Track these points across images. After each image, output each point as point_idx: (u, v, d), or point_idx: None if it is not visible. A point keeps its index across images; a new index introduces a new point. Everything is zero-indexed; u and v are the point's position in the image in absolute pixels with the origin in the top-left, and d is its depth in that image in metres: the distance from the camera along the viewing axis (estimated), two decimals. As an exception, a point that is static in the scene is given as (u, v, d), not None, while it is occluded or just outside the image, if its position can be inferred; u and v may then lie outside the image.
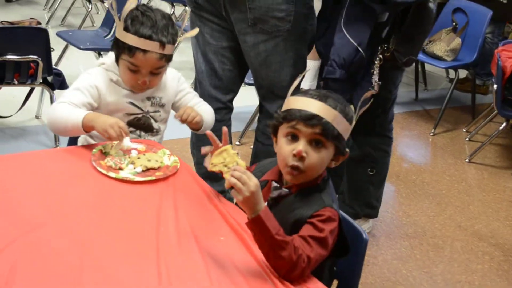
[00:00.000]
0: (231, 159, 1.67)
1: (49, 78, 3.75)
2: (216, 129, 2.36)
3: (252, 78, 2.99)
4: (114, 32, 4.60)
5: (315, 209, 1.68)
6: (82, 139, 2.27)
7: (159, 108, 2.28)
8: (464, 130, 4.97)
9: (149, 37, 2.09)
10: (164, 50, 2.11)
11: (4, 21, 4.74)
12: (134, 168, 1.97)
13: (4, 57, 3.53)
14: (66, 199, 1.78)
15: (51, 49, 3.75)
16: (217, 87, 2.93)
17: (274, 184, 1.79)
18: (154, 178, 1.94)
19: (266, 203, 1.59)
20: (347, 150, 1.77)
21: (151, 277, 1.50)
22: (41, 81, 3.71)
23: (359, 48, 2.67)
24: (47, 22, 6.17)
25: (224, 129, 1.79)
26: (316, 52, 2.90)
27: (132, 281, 1.48)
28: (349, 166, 3.07)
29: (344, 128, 1.72)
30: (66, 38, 4.65)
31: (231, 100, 3.00)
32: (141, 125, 2.24)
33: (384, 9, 2.66)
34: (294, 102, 1.74)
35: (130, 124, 2.20)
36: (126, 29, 2.11)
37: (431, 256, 3.24)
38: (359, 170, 3.13)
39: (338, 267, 1.85)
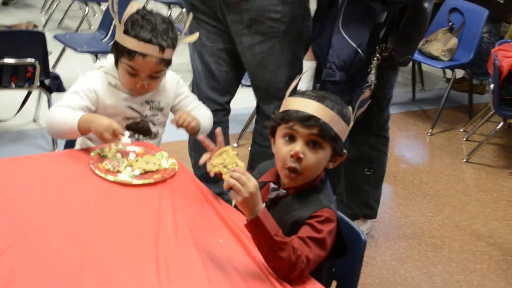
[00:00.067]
0: (231, 160, 1.68)
1: (47, 81, 3.75)
2: (214, 132, 2.37)
3: (249, 80, 3.00)
4: (111, 35, 4.61)
5: (313, 210, 1.68)
6: (80, 141, 2.27)
7: (157, 111, 2.28)
8: (462, 130, 4.98)
9: (148, 41, 2.09)
10: (164, 54, 2.11)
11: (1, 25, 4.73)
12: (132, 171, 1.97)
13: (2, 60, 3.53)
14: (64, 202, 1.78)
15: (49, 52, 3.75)
16: (214, 88, 2.93)
17: (272, 185, 1.80)
18: (152, 180, 1.94)
19: (264, 205, 1.59)
20: (345, 151, 1.78)
21: (151, 279, 1.50)
22: (38, 84, 3.70)
23: (359, 50, 2.68)
24: (44, 25, 6.17)
25: (217, 130, 1.80)
26: (312, 53, 2.90)
27: (132, 282, 1.48)
28: (346, 167, 3.08)
29: (342, 129, 1.73)
30: (63, 41, 4.66)
31: (228, 102, 3.01)
32: (139, 128, 2.24)
33: (384, 8, 2.67)
34: (291, 103, 1.74)
35: (128, 127, 2.20)
36: (126, 32, 2.11)
37: (430, 256, 3.25)
38: (356, 171, 3.13)
39: (337, 268, 1.85)
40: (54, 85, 3.78)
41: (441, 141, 4.76)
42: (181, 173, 2.02)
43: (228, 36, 2.82)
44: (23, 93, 4.08)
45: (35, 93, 4.06)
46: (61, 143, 3.43)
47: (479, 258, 3.28)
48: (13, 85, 3.66)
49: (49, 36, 4.07)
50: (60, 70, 4.31)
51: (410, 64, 5.51)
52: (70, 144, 2.37)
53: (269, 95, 2.87)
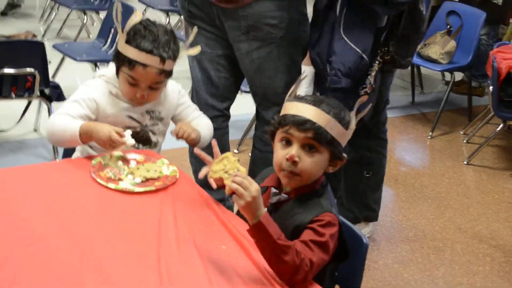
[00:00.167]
0: (232, 166, 1.69)
1: (47, 91, 3.75)
2: (214, 138, 2.37)
3: (248, 86, 3.01)
4: (110, 43, 4.62)
5: (314, 214, 1.69)
6: (81, 148, 2.27)
7: (158, 121, 2.29)
8: (462, 133, 4.98)
9: (149, 52, 2.09)
10: (164, 65, 2.11)
11: (0, 35, 4.74)
12: (134, 179, 1.97)
13: (1, 70, 3.54)
14: (66, 210, 1.78)
15: (48, 62, 3.76)
16: (213, 95, 2.94)
17: (273, 190, 1.80)
18: (153, 188, 1.94)
19: (266, 209, 1.60)
20: (345, 155, 1.78)
21: (153, 284, 1.50)
22: (38, 94, 3.70)
23: (364, 55, 2.69)
24: (43, 35, 6.18)
25: (213, 142, 1.83)
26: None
27: (134, 287, 1.49)
28: (345, 170, 3.08)
29: (339, 132, 1.73)
30: (63, 50, 4.66)
31: (227, 108, 3.01)
32: (139, 138, 2.24)
33: (387, 11, 2.68)
34: (289, 108, 1.76)
35: None
36: (128, 42, 2.11)
37: (432, 259, 3.25)
38: (356, 173, 3.13)
39: (339, 272, 1.85)
40: (54, 94, 3.79)
41: (442, 144, 4.77)
42: (182, 180, 2.03)
43: (226, 42, 2.83)
44: (23, 103, 4.09)
45: (35, 102, 4.07)
46: (61, 151, 3.43)
47: (481, 260, 3.28)
48: (13, 95, 3.66)
49: (48, 46, 4.07)
50: (60, 79, 4.32)
51: (409, 67, 5.54)
52: (69, 152, 2.37)
53: (267, 101, 2.88)
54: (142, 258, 1.60)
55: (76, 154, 2.29)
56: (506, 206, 3.89)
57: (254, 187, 1.55)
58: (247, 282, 1.57)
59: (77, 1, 6.08)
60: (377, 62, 2.77)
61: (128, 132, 2.06)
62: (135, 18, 2.13)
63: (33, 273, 1.49)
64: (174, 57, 2.15)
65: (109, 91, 2.20)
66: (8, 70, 3.56)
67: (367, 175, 3.15)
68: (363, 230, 3.24)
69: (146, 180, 1.98)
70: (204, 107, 2.85)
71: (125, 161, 2.07)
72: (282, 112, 1.78)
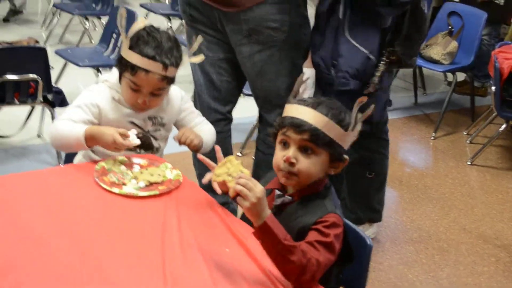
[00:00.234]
0: (235, 169, 1.70)
1: (49, 97, 3.76)
2: (216, 141, 2.38)
3: (250, 89, 3.01)
4: (112, 48, 4.63)
5: (318, 215, 1.69)
6: (83, 153, 2.27)
7: (160, 127, 2.29)
8: (465, 133, 4.97)
9: (152, 58, 2.09)
10: (167, 72, 2.12)
11: (3, 41, 4.76)
12: (137, 183, 1.98)
13: (4, 77, 3.55)
14: (70, 215, 1.79)
15: (50, 68, 3.77)
16: (215, 98, 2.94)
17: (277, 192, 1.81)
18: (157, 192, 1.95)
19: (270, 211, 1.60)
20: (346, 156, 1.78)
21: (158, 291, 1.51)
22: (41, 99, 3.72)
23: (370, 56, 2.69)
24: (46, 41, 6.19)
25: (216, 147, 1.84)
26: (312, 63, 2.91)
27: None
28: (347, 171, 3.06)
29: (338, 134, 1.73)
30: (65, 56, 4.67)
31: (230, 111, 3.02)
32: (141, 143, 2.24)
33: (391, 11, 2.68)
34: (289, 110, 1.78)
35: None
36: (131, 47, 2.12)
37: (437, 260, 3.24)
38: (358, 174, 3.13)
39: (344, 274, 1.85)
40: (57, 100, 3.80)
41: (445, 145, 4.76)
42: (185, 183, 2.03)
43: (228, 46, 2.83)
44: (26, 109, 4.10)
45: (38, 108, 4.08)
46: (64, 156, 3.44)
47: (486, 260, 3.28)
48: (16, 101, 3.68)
49: (50, 52, 4.08)
50: (63, 85, 4.33)
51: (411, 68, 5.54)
52: (71, 156, 2.37)
53: (269, 103, 2.88)
54: (147, 262, 1.61)
55: (78, 157, 2.29)
56: (510, 206, 3.89)
57: (258, 188, 1.55)
58: (252, 285, 1.57)
59: (79, 7, 6.11)
60: (383, 62, 2.78)
61: (133, 132, 2.07)
62: (139, 24, 2.14)
63: (39, 277, 1.49)
64: (177, 64, 2.15)
65: (112, 96, 2.20)
66: (11, 77, 3.57)
67: (370, 176, 3.14)
68: (368, 231, 3.24)
69: (150, 184, 1.99)
70: (206, 111, 2.85)
71: (129, 165, 2.07)
72: (283, 114, 1.79)
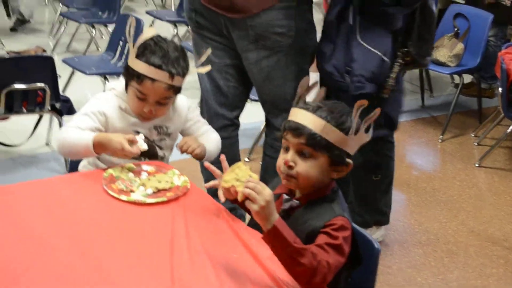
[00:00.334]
0: (244, 174, 1.71)
1: (57, 105, 3.78)
2: (224, 147, 2.38)
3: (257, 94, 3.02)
4: (119, 56, 4.65)
5: (326, 219, 1.69)
6: (90, 160, 2.28)
7: (165, 136, 2.30)
8: (472, 135, 4.96)
9: (158, 67, 2.11)
10: (173, 81, 2.13)
11: (11, 51, 4.79)
12: (145, 190, 1.99)
13: (12, 86, 3.57)
14: (79, 223, 1.80)
15: (58, 76, 3.79)
16: (223, 104, 2.95)
17: (285, 196, 1.82)
18: (165, 199, 1.96)
19: (278, 215, 1.60)
20: (349, 160, 1.78)
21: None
22: (49, 108, 3.74)
23: (385, 58, 2.70)
24: (53, 50, 6.22)
25: (222, 157, 1.86)
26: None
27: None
28: (353, 175, 3.06)
29: (337, 138, 1.72)
30: (72, 64, 4.70)
31: (237, 117, 3.03)
32: (146, 152, 2.25)
33: (401, 10, 2.69)
34: (292, 114, 1.79)
35: None
36: (138, 56, 2.14)
37: (446, 262, 3.24)
38: (364, 177, 3.12)
39: (352, 278, 1.85)
40: (65, 108, 3.81)
41: (453, 147, 4.76)
42: (193, 190, 2.04)
43: (234, 52, 2.84)
44: (34, 117, 4.12)
45: (46, 117, 4.10)
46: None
47: (495, 262, 3.27)
48: (24, 110, 3.70)
49: (58, 60, 4.11)
50: (70, 93, 4.35)
51: (418, 71, 5.53)
52: (76, 163, 2.37)
53: (276, 108, 2.89)
54: (155, 268, 1.62)
55: (83, 163, 2.31)
56: (519, 207, 3.88)
57: (267, 191, 1.56)
58: (260, 290, 1.57)
59: (86, 15, 6.13)
60: (397, 63, 2.78)
61: (141, 137, 2.08)
62: (147, 34, 2.15)
63: (48, 286, 1.50)
64: (183, 74, 2.16)
65: (119, 105, 2.22)
66: (18, 86, 3.59)
67: (376, 179, 3.14)
68: (375, 234, 3.23)
69: (158, 191, 2.00)
70: (213, 117, 2.87)
71: (137, 172, 2.09)
72: (288, 119, 1.80)
